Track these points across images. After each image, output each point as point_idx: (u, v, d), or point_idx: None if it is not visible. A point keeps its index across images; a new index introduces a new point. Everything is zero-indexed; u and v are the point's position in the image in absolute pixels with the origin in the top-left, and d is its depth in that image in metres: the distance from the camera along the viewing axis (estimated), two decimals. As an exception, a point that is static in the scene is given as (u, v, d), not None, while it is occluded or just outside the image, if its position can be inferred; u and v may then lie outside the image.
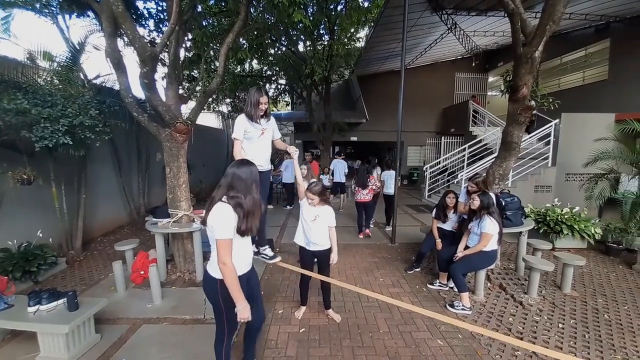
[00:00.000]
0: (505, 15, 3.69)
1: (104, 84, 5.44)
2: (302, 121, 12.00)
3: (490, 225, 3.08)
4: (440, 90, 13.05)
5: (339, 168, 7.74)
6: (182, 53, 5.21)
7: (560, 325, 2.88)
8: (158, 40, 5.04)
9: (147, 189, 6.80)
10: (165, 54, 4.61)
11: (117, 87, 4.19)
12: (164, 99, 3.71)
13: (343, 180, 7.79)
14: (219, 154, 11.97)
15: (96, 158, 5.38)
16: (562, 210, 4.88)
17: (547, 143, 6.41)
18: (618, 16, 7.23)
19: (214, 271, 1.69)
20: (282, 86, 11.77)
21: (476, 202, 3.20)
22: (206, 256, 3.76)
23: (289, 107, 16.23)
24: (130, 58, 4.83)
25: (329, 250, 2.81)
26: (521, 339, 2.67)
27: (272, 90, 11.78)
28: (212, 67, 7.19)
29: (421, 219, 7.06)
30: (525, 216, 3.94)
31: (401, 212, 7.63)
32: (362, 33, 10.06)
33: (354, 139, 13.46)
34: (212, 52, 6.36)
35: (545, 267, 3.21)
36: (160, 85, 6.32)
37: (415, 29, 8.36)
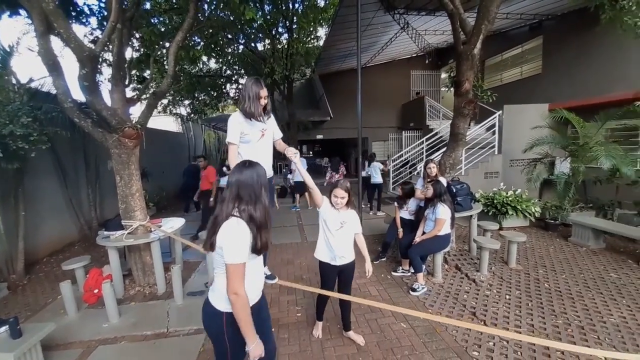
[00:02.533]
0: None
1: (40, 88, 4.93)
2: (266, 121, 11.83)
3: (443, 211, 3.32)
4: (398, 87, 13.62)
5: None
6: (129, 53, 4.90)
7: (507, 297, 3.19)
8: (102, 40, 4.68)
9: (98, 200, 6.29)
10: (110, 55, 4.31)
11: (55, 91, 3.84)
12: (109, 102, 3.47)
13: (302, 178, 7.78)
14: (180, 159, 11.40)
15: (36, 171, 4.87)
16: (507, 193, 5.39)
17: (493, 133, 7.00)
18: (549, 14, 8.05)
19: (219, 302, 1.41)
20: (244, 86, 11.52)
21: (430, 191, 3.43)
22: (168, 267, 3.61)
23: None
24: (72, 59, 4.44)
25: (354, 263, 2.45)
26: (474, 313, 2.92)
27: (232, 91, 11.48)
28: (164, 67, 6.81)
29: (386, 210, 7.34)
30: (474, 201, 4.29)
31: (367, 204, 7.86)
32: (321, 32, 10.19)
33: (320, 136, 13.58)
34: (163, 51, 6.04)
35: (492, 245, 3.53)
36: (105, 87, 5.91)
37: (370, 28, 8.63)
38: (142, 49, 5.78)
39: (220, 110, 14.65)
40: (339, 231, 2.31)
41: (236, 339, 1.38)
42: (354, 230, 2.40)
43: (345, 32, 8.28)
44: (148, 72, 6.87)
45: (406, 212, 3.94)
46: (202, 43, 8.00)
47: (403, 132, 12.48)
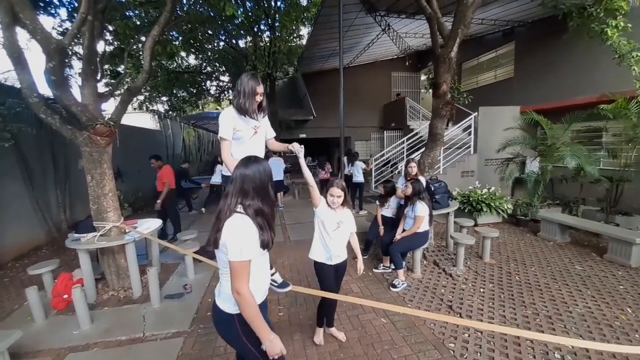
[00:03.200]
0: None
1: (3, 82, 4.61)
2: (249, 120, 11.67)
3: (421, 209, 3.42)
4: (380, 88, 13.85)
5: (276, 166, 7.46)
6: (102, 46, 4.68)
7: (482, 290, 3.34)
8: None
9: (68, 202, 5.97)
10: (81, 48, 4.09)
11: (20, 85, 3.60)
12: (79, 97, 3.30)
13: (281, 177, 7.58)
14: (157, 157, 11.00)
15: (-3, 170, 4.54)
16: (482, 191, 5.62)
17: (470, 133, 7.29)
18: (521, 21, 8.47)
19: (227, 304, 1.35)
20: (225, 83, 11.29)
21: (409, 190, 3.52)
22: (144, 269, 3.49)
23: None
24: (40, 52, 4.18)
25: (346, 262, 2.48)
26: (451, 306, 3.04)
27: (213, 88, 11.24)
28: (140, 62, 6.56)
29: (368, 209, 7.45)
30: (451, 198, 4.45)
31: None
32: (304, 31, 10.17)
33: (303, 136, 13.56)
34: (139, 46, 5.81)
35: (468, 241, 3.68)
36: (76, 82, 5.61)
37: (352, 29, 8.71)
38: (116, 43, 5.54)
39: (200, 108, 14.28)
40: (335, 231, 2.29)
41: (255, 337, 1.28)
42: (350, 230, 2.40)
43: (328, 32, 8.31)
44: (122, 67, 6.61)
45: (388, 210, 4.02)
46: (180, 38, 7.78)
47: (385, 131, 12.72)
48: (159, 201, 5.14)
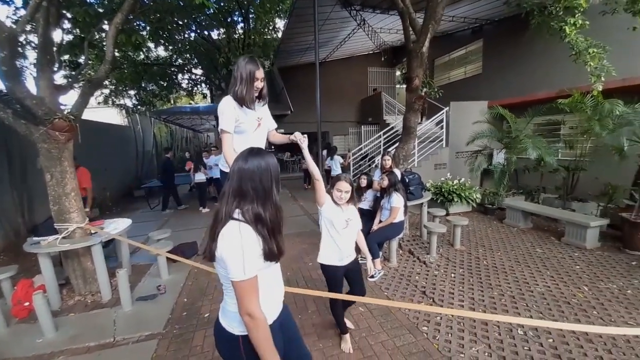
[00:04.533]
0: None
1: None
2: (224, 114, 11.36)
3: (397, 200, 3.52)
4: (357, 83, 13.97)
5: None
6: (60, 35, 4.34)
7: (453, 275, 3.51)
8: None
9: (27, 204, 5.53)
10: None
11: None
12: (34, 90, 3.05)
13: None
14: (126, 154, 10.44)
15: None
16: (453, 182, 5.89)
17: (442, 127, 7.57)
18: (489, 19, 8.84)
19: (231, 323, 1.16)
20: (198, 77, 10.88)
21: (385, 182, 3.61)
22: (113, 272, 3.32)
23: (208, 100, 15.12)
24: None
25: (358, 259, 2.38)
26: (424, 292, 3.18)
27: (185, 81, 10.80)
28: (103, 52, 6.17)
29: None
30: (425, 190, 4.62)
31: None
32: (280, 24, 9.99)
33: (281, 131, 13.29)
34: (103, 35, 5.44)
35: (440, 230, 3.86)
36: (30, 74, 5.17)
37: (328, 23, 8.69)
38: (76, 31, 5.15)
39: (172, 102, 13.69)
40: (345, 230, 2.17)
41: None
42: (357, 227, 2.30)
43: (304, 26, 8.23)
44: (83, 57, 6.17)
45: (364, 203, 4.10)
46: (148, 28, 7.37)
47: (362, 126, 12.88)
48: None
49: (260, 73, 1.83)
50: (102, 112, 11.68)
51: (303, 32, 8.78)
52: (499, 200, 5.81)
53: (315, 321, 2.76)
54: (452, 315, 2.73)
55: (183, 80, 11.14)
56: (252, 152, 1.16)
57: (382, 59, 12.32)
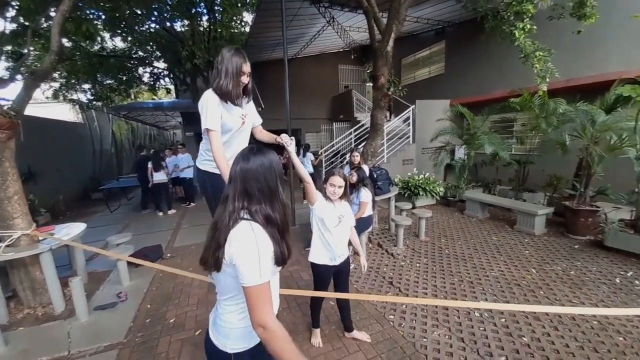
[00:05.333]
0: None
1: None
2: (191, 111, 10.87)
3: (365, 195, 3.61)
4: (328, 80, 14.04)
5: (186, 163, 7.02)
6: (2, 24, 3.90)
7: (418, 265, 3.70)
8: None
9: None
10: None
11: None
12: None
13: (192, 175, 7.09)
14: (82, 154, 9.65)
15: None
16: (418, 177, 6.17)
17: (409, 125, 7.87)
18: (450, 22, 9.30)
19: (224, 340, 1.07)
20: (161, 70, 10.30)
21: (354, 177, 3.69)
22: (67, 282, 3.09)
23: (173, 95, 14.38)
24: None
25: (349, 259, 2.35)
26: (391, 282, 3.32)
27: (147, 75, 10.18)
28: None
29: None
30: (392, 184, 4.80)
31: (300, 195, 8.03)
32: (248, 18, 9.74)
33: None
34: (49, 23, 4.96)
35: (406, 222, 4.04)
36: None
37: (297, 18, 8.61)
38: (19, 19, 4.65)
39: (133, 97, 12.86)
40: (337, 227, 2.12)
41: None
42: (350, 224, 2.25)
43: (272, 21, 8.08)
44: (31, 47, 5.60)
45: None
46: (102, 17, 6.85)
47: (334, 123, 12.99)
48: None
49: (247, 67, 1.71)
50: (53, 108, 10.66)
51: (272, 27, 8.63)
52: (460, 193, 6.19)
53: (286, 318, 2.77)
54: (416, 303, 2.88)
55: (144, 74, 10.49)
56: (253, 151, 1.09)
57: (352, 57, 12.50)
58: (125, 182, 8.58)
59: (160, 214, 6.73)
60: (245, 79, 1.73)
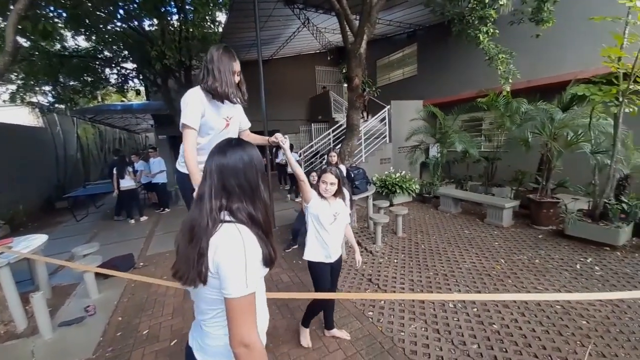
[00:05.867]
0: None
1: None
2: (163, 113, 10.47)
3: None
4: (306, 81, 14.07)
5: (158, 168, 6.81)
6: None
7: (395, 261, 3.80)
8: None
9: None
10: None
11: None
12: None
13: (165, 180, 6.93)
14: (43, 161, 8.99)
15: None
16: (395, 175, 6.33)
17: (385, 124, 8.06)
18: (421, 25, 9.63)
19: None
20: (129, 71, 9.83)
21: (330, 177, 3.73)
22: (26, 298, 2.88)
23: (143, 97, 13.79)
24: None
25: (341, 258, 2.36)
26: (370, 279, 3.38)
27: (114, 76, 9.69)
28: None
29: (299, 200, 7.61)
30: (370, 183, 4.88)
31: (279, 196, 8.00)
32: (222, 18, 9.55)
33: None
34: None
35: (383, 220, 4.13)
36: None
37: (272, 19, 8.57)
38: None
39: (100, 100, 12.21)
40: (332, 225, 2.13)
41: None
42: (345, 221, 2.25)
43: (246, 21, 7.98)
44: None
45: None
46: (63, 15, 6.46)
47: (312, 124, 13.04)
48: None
49: (237, 66, 1.65)
50: (10, 111, 9.86)
51: (246, 27, 8.52)
52: (434, 189, 6.42)
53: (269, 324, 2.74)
54: (394, 299, 2.95)
55: (112, 74, 9.97)
56: (231, 144, 0.98)
57: (329, 58, 12.61)
58: (93, 189, 8.12)
59: (132, 221, 6.43)
60: (236, 78, 1.68)
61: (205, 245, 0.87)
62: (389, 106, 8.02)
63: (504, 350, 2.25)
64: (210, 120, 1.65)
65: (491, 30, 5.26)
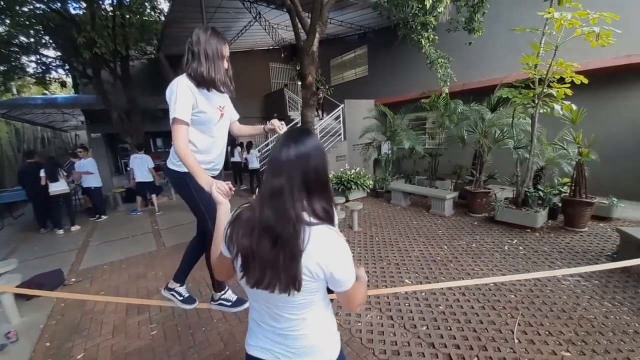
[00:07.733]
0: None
1: None
2: (95, 108, 9.31)
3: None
4: (260, 78, 13.75)
5: (139, 164, 6.42)
6: None
7: (352, 255, 3.92)
8: None
9: None
10: None
11: None
12: None
13: (150, 178, 6.62)
14: None
15: None
16: (351, 172, 6.55)
17: (340, 122, 8.26)
18: (371, 28, 10.04)
19: (324, 354, 0.97)
20: (51, 59, 8.54)
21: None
22: None
23: (71, 90, 12.12)
24: None
25: None
26: (328, 275, 3.45)
27: (33, 65, 8.35)
28: None
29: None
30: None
31: (237, 196, 7.72)
32: (165, 6, 8.82)
33: (176, 128, 11.97)
34: None
35: (340, 216, 4.24)
36: None
37: (221, 11, 8.18)
38: None
39: (15, 92, 10.42)
40: None
41: None
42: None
43: (191, 11, 7.49)
44: None
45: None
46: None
47: (267, 122, 12.77)
48: None
49: (227, 50, 1.50)
50: None
51: (192, 17, 7.98)
52: (386, 184, 6.80)
53: (220, 329, 2.63)
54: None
55: (30, 63, 8.56)
56: (303, 132, 0.89)
57: (282, 55, 12.47)
58: (8, 196, 6.91)
59: (61, 232, 5.63)
60: (225, 64, 1.53)
61: (297, 250, 0.80)
62: (343, 105, 8.24)
63: (449, 328, 2.48)
64: (206, 112, 1.49)
65: (432, 36, 5.72)
